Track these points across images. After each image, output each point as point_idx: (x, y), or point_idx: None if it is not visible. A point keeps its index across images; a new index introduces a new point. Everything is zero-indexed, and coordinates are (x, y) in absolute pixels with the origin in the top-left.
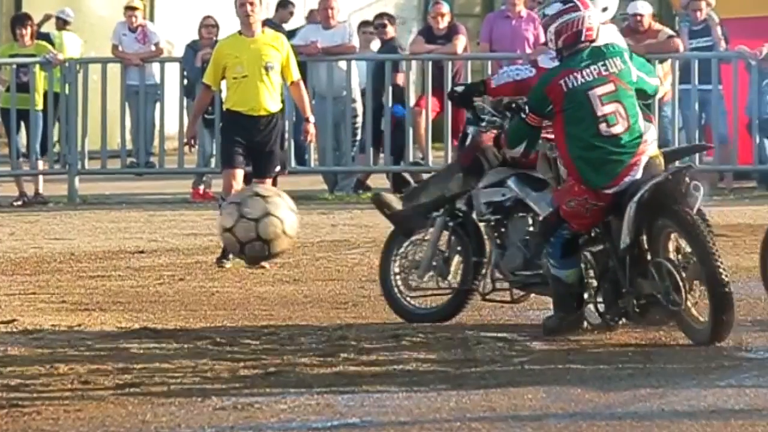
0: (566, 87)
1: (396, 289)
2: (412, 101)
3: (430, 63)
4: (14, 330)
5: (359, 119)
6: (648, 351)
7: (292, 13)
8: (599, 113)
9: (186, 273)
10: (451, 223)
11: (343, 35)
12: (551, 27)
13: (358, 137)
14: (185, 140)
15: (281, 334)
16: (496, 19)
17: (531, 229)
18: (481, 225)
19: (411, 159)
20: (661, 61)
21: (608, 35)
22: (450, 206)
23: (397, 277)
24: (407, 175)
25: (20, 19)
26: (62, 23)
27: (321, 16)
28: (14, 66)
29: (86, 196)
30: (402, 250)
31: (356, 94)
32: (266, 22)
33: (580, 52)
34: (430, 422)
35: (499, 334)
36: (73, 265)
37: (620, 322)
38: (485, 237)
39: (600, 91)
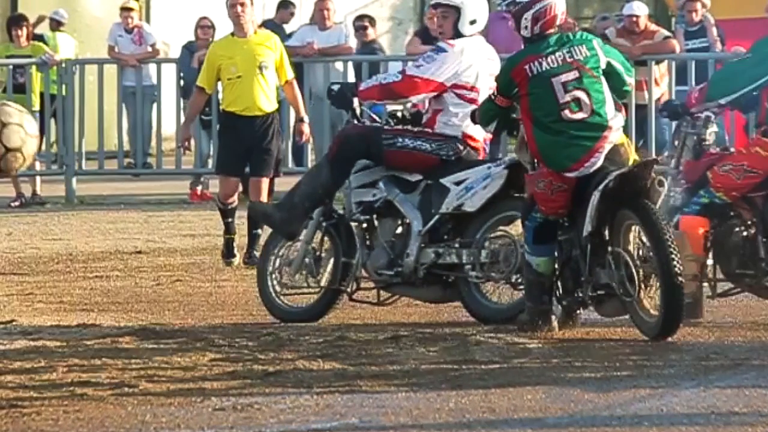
0: (531, 72)
1: (271, 288)
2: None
3: None
4: (13, 330)
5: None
6: (647, 351)
7: (292, 14)
8: (561, 100)
9: (184, 273)
10: (324, 223)
11: (339, 36)
12: (527, 14)
13: None
14: (179, 143)
15: (280, 334)
16: (493, 20)
17: (399, 230)
18: (354, 225)
19: None
20: (658, 63)
21: (476, 47)
22: (326, 207)
23: (273, 276)
24: None
25: (16, 20)
26: (56, 24)
27: (317, 17)
28: (10, 67)
29: (84, 197)
30: (279, 249)
31: None
32: (267, 23)
33: (546, 38)
34: (430, 422)
35: (498, 335)
36: (71, 266)
37: (580, 313)
38: (357, 238)
39: (564, 78)
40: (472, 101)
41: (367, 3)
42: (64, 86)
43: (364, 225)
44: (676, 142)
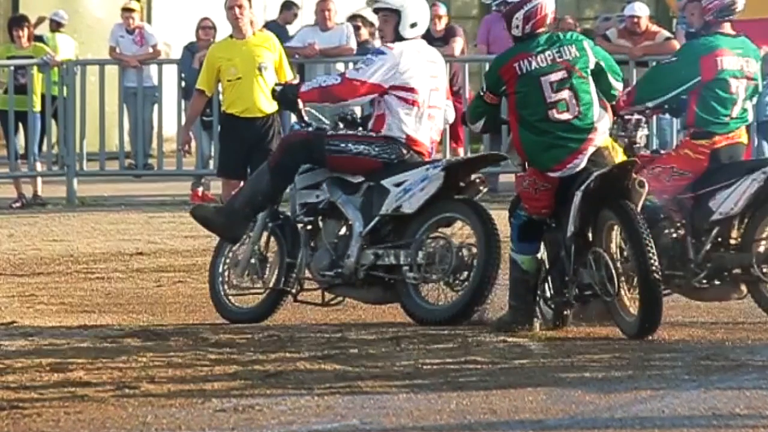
0: (520, 70)
1: (221, 289)
2: None
3: None
4: (14, 332)
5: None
6: (648, 352)
7: (296, 15)
8: (549, 100)
9: (185, 275)
10: (270, 224)
11: (341, 37)
12: (518, 13)
13: None
14: (179, 147)
15: (281, 335)
16: (493, 21)
17: (342, 232)
18: (299, 226)
19: None
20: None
21: (416, 50)
22: (272, 208)
23: (223, 277)
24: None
25: (17, 21)
26: (56, 25)
27: (318, 18)
28: (12, 68)
29: (85, 198)
30: (228, 251)
31: None
32: (270, 24)
33: (536, 37)
34: (431, 424)
35: (500, 336)
36: (72, 267)
37: (568, 314)
38: (301, 239)
39: (553, 77)
40: (413, 103)
41: None
42: (65, 87)
43: (309, 226)
44: None
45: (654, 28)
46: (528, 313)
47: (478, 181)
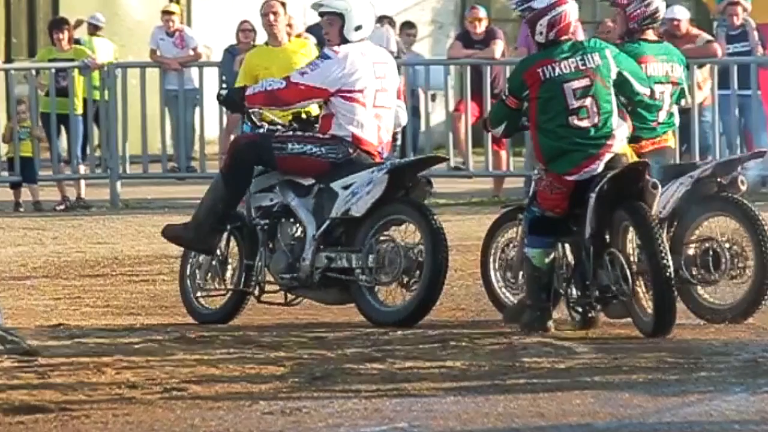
0: (544, 76)
1: (189, 291)
2: (451, 106)
3: (468, 68)
4: (60, 334)
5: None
6: (696, 356)
7: None
8: (571, 106)
9: None
10: (229, 226)
11: (380, 40)
12: (543, 20)
13: (398, 142)
14: (222, 153)
15: (327, 338)
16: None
17: (298, 234)
18: (257, 228)
19: (452, 164)
20: (700, 66)
21: (362, 52)
22: (233, 211)
23: (189, 279)
24: None
25: (57, 24)
26: (93, 28)
27: None
28: (53, 70)
29: (128, 201)
30: (195, 253)
31: None
32: (312, 28)
33: (560, 44)
34: (479, 427)
35: (545, 339)
36: (117, 269)
37: (592, 315)
38: (259, 241)
39: (576, 84)
40: (359, 104)
41: (407, 6)
42: (106, 90)
43: (266, 227)
44: None
45: (694, 31)
46: (542, 312)
47: (424, 181)
